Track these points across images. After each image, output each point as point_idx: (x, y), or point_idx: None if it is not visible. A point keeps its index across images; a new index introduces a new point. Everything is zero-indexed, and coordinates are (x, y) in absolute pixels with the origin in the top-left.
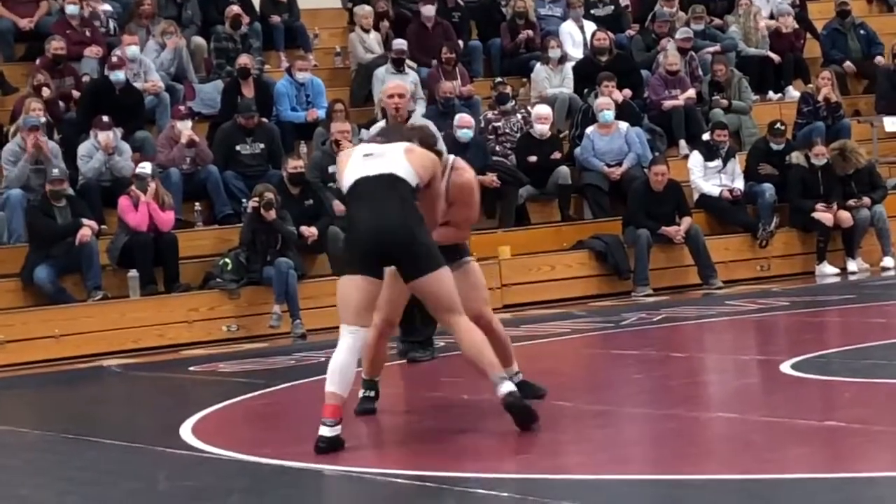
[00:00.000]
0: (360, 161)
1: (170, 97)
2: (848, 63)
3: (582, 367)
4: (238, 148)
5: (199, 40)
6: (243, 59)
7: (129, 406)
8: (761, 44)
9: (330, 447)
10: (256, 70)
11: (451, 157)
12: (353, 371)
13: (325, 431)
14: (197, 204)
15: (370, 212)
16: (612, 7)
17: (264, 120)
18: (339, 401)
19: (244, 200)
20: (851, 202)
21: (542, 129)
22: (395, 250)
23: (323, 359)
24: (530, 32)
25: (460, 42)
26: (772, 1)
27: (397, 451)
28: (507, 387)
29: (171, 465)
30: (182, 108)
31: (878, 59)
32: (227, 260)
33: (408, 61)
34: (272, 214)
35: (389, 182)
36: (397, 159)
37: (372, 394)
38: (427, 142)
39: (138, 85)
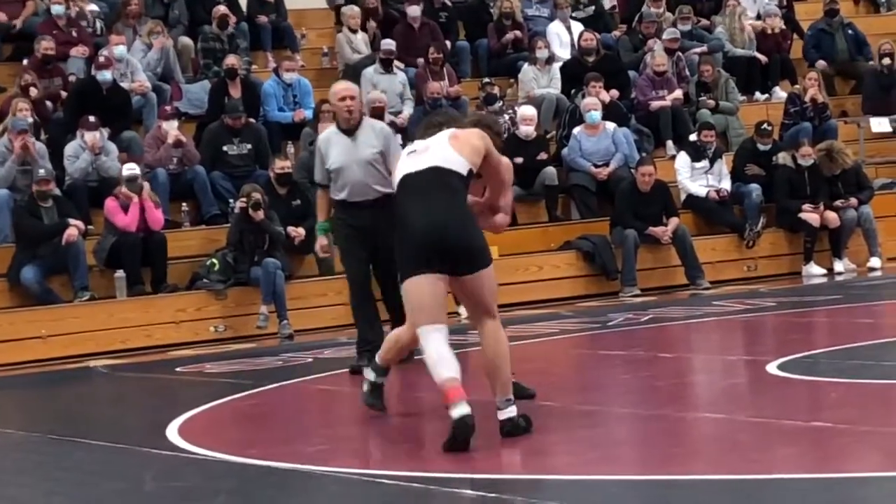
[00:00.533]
0: (405, 159)
1: (157, 97)
2: (823, 63)
3: (570, 367)
4: (225, 148)
5: (186, 40)
6: (231, 60)
7: (116, 407)
8: (748, 45)
9: (473, 423)
10: (244, 70)
11: None
12: (455, 358)
13: (463, 409)
14: (184, 204)
15: (421, 209)
16: (593, 8)
17: (251, 120)
18: (457, 382)
19: (231, 201)
20: (838, 203)
21: (527, 130)
22: (452, 246)
23: (310, 360)
24: (518, 33)
25: (448, 42)
26: (759, 1)
27: (384, 452)
28: (510, 412)
29: (157, 466)
30: (168, 108)
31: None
32: (215, 260)
33: (395, 62)
34: (260, 215)
35: (437, 175)
36: (443, 150)
37: (382, 381)
38: (485, 122)
39: (125, 85)
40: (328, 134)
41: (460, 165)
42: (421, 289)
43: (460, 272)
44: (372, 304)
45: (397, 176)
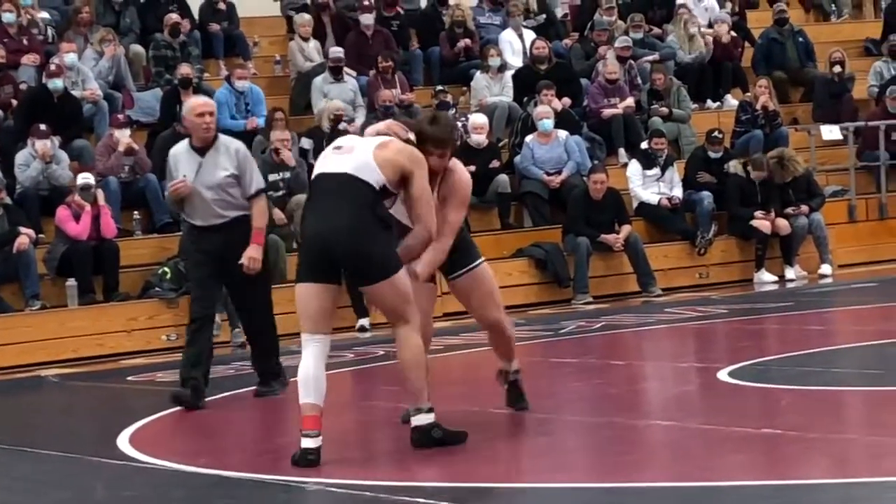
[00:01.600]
0: (329, 154)
1: (108, 105)
2: (781, 72)
3: (522, 375)
4: None
5: (137, 48)
6: (184, 69)
7: (67, 416)
8: (704, 52)
9: (317, 458)
10: (196, 78)
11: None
12: (324, 379)
13: (309, 443)
14: (136, 213)
15: (318, 215)
16: (544, 16)
17: None
18: (317, 411)
19: None
20: (789, 210)
21: (478, 138)
22: (340, 257)
23: None
24: (468, 41)
25: (400, 50)
26: (710, 9)
27: (334, 460)
28: (420, 420)
29: (107, 475)
30: (120, 116)
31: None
32: (167, 269)
33: (345, 69)
34: None
35: (346, 182)
36: (364, 156)
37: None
38: (428, 134)
39: (76, 93)
40: (179, 149)
41: (374, 178)
42: (306, 297)
43: (358, 283)
44: (208, 336)
45: (316, 170)
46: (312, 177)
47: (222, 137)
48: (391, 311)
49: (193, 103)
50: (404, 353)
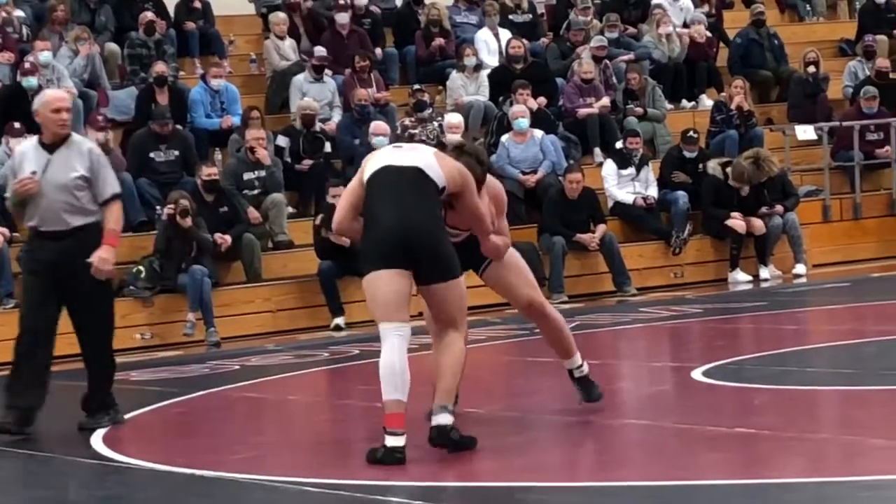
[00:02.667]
0: (388, 150)
1: (83, 104)
2: (766, 72)
3: (497, 374)
4: (152, 155)
5: (112, 47)
6: (159, 67)
7: (42, 415)
8: (678, 52)
9: (404, 457)
10: (171, 77)
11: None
12: (408, 372)
13: (395, 441)
14: None
15: (394, 206)
16: (531, 15)
17: (178, 127)
18: (402, 408)
19: (158, 208)
20: (764, 210)
21: (453, 137)
22: (421, 251)
23: (237, 367)
24: (443, 40)
25: (378, 50)
26: (685, 9)
27: (310, 459)
28: (440, 420)
29: (81, 475)
30: (100, 118)
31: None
32: (141, 267)
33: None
34: (188, 222)
35: (417, 177)
36: (427, 157)
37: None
38: (468, 150)
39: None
40: (27, 146)
41: (439, 178)
42: (384, 283)
43: (426, 279)
44: (41, 359)
45: (374, 165)
46: (374, 170)
47: (75, 137)
48: (448, 313)
49: (49, 97)
50: (447, 357)
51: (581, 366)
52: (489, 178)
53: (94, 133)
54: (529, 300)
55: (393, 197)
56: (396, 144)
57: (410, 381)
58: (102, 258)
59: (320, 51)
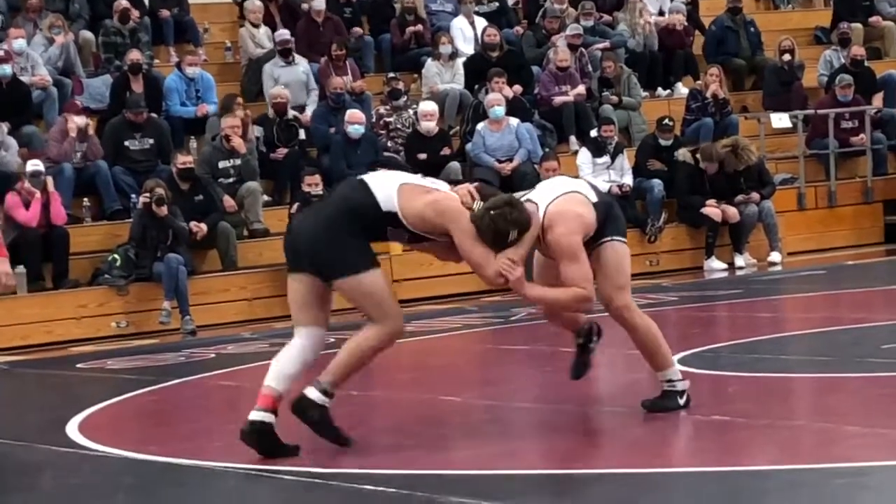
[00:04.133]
0: (416, 179)
1: (58, 91)
2: (740, 61)
3: (473, 362)
4: (127, 143)
5: (87, 34)
6: (134, 55)
7: (16, 404)
8: (648, 40)
9: (254, 429)
10: (146, 65)
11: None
12: (292, 369)
13: (254, 415)
14: (85, 199)
15: (306, 213)
16: (497, 3)
17: (153, 115)
18: (270, 391)
19: (133, 196)
20: (740, 198)
21: (428, 125)
22: (305, 253)
23: (213, 355)
24: (420, 27)
25: (353, 37)
26: None
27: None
28: (309, 392)
29: (56, 463)
30: (78, 102)
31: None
32: (116, 256)
33: (296, 54)
34: (164, 210)
35: (353, 189)
36: (396, 183)
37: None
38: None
39: (25, 79)
40: None
41: (386, 201)
42: (288, 288)
43: (323, 278)
44: None
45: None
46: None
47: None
48: (361, 309)
49: None
50: (349, 341)
51: (671, 380)
52: (552, 219)
53: (73, 118)
54: (609, 299)
55: (314, 206)
56: (428, 182)
57: (295, 377)
58: (6, 273)
59: (283, 34)
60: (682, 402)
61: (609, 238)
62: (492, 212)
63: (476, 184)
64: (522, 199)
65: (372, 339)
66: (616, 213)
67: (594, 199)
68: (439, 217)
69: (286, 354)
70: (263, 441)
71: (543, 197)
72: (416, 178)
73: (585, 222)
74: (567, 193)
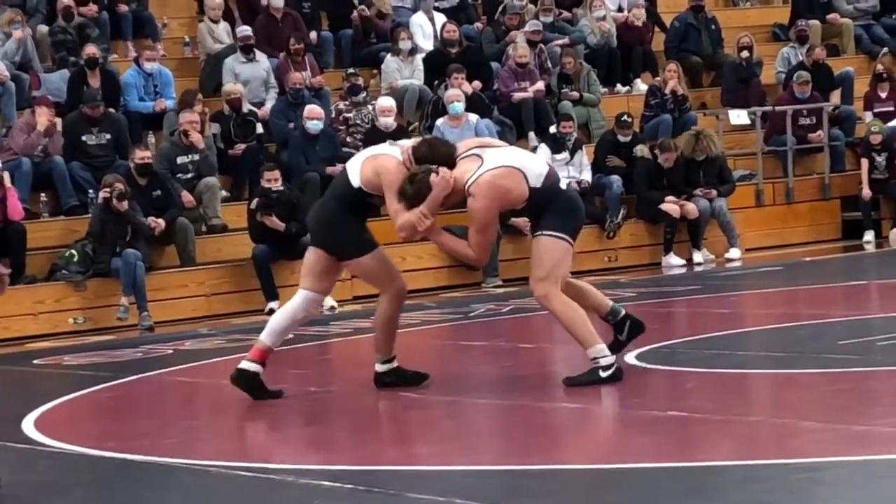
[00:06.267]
0: (386, 146)
1: (15, 86)
2: (696, 58)
3: (431, 358)
4: (84, 138)
5: (44, 29)
6: (90, 50)
7: None
8: (606, 36)
9: (241, 375)
10: (101, 59)
11: (473, 177)
12: (283, 322)
13: (244, 364)
14: (42, 195)
15: (315, 204)
16: (457, 0)
17: (111, 110)
18: (261, 345)
19: (91, 191)
20: (698, 191)
21: (386, 121)
22: (315, 238)
23: (171, 351)
24: (366, 10)
25: (313, 34)
26: None
27: (242, 443)
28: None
29: (12, 459)
30: (49, 96)
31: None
32: (74, 251)
33: (256, 49)
34: (124, 205)
35: (341, 175)
36: (363, 156)
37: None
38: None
39: None
40: None
41: (354, 177)
42: (305, 256)
43: (337, 258)
44: None
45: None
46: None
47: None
48: (370, 283)
49: None
50: (378, 316)
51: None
52: (478, 189)
53: (46, 113)
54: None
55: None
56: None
57: (284, 332)
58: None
59: (244, 30)
60: (603, 375)
61: (540, 233)
62: (416, 176)
63: (430, 137)
64: (472, 153)
65: (385, 305)
66: (561, 208)
67: (536, 184)
68: (376, 177)
69: (280, 311)
70: (249, 386)
71: (489, 160)
72: (384, 146)
73: (509, 199)
74: (507, 168)
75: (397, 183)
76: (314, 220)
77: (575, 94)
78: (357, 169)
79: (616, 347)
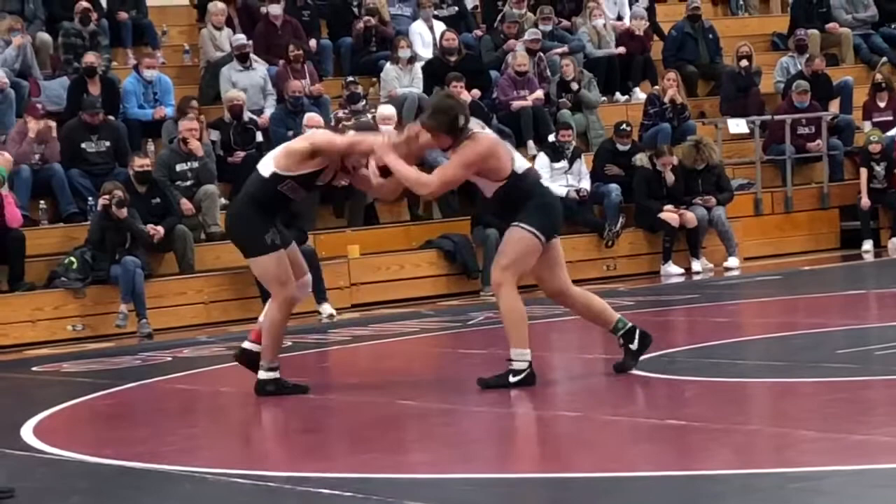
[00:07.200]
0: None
1: (15, 94)
2: (692, 67)
3: (429, 366)
4: (83, 145)
5: (44, 36)
6: (89, 58)
7: None
8: (603, 44)
9: (241, 352)
10: (103, 67)
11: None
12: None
13: (245, 344)
14: (42, 202)
15: None
16: (456, 8)
17: (110, 117)
18: (258, 325)
19: (90, 199)
20: (697, 200)
21: (386, 129)
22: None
23: (169, 358)
24: (371, 19)
25: (312, 41)
26: (619, 3)
27: (240, 450)
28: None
29: (11, 466)
30: (40, 106)
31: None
32: (73, 258)
33: (252, 56)
34: (124, 213)
35: (251, 177)
36: (269, 156)
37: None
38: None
39: None
40: None
41: (265, 168)
42: None
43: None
44: None
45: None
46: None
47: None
48: (265, 284)
49: None
50: (265, 321)
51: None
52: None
53: (34, 122)
54: (496, 280)
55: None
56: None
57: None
58: None
59: (240, 38)
60: (513, 380)
61: (516, 224)
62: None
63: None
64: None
65: (273, 311)
66: (539, 203)
67: (519, 171)
68: (288, 156)
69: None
70: (250, 363)
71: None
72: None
73: (496, 162)
74: (502, 144)
75: (330, 133)
76: (226, 216)
77: (568, 103)
78: (268, 162)
79: (630, 357)
